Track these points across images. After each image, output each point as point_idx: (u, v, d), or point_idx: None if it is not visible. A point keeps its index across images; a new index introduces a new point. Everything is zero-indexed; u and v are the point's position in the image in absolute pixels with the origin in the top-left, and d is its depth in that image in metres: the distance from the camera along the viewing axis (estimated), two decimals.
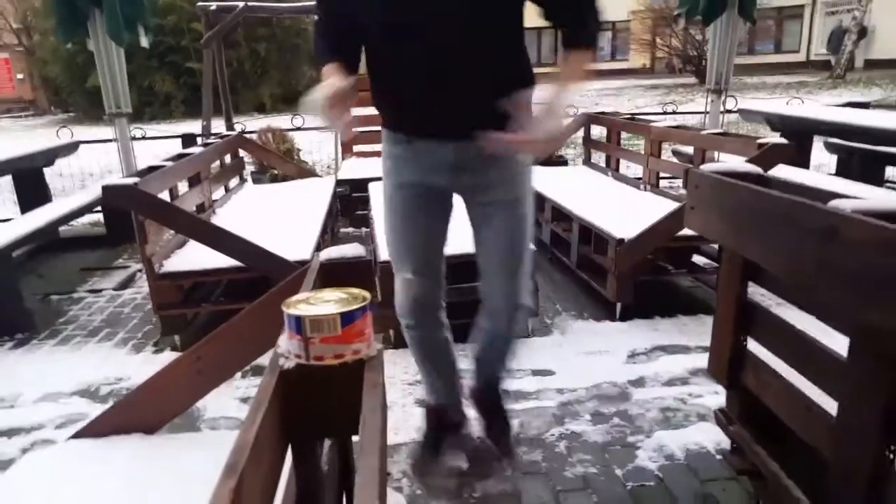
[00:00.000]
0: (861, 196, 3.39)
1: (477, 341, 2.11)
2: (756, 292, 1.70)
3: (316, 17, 1.76)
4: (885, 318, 0.95)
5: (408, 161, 1.75)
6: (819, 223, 1.07)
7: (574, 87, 1.59)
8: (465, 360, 2.45)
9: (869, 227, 0.97)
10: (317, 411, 0.86)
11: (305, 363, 0.85)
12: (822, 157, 6.02)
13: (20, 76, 26.74)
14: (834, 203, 1.08)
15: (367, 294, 0.92)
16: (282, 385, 0.83)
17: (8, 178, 5.19)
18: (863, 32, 21.28)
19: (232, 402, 2.64)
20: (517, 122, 1.47)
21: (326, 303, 0.89)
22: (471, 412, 2.29)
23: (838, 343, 1.29)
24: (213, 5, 6.94)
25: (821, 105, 6.28)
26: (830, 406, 1.31)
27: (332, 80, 1.52)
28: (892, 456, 1.16)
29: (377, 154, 5.83)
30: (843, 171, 5.25)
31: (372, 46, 1.67)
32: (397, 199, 1.83)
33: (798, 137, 4.94)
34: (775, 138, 3.14)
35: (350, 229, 5.42)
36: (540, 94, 1.57)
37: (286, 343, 0.88)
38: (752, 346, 1.68)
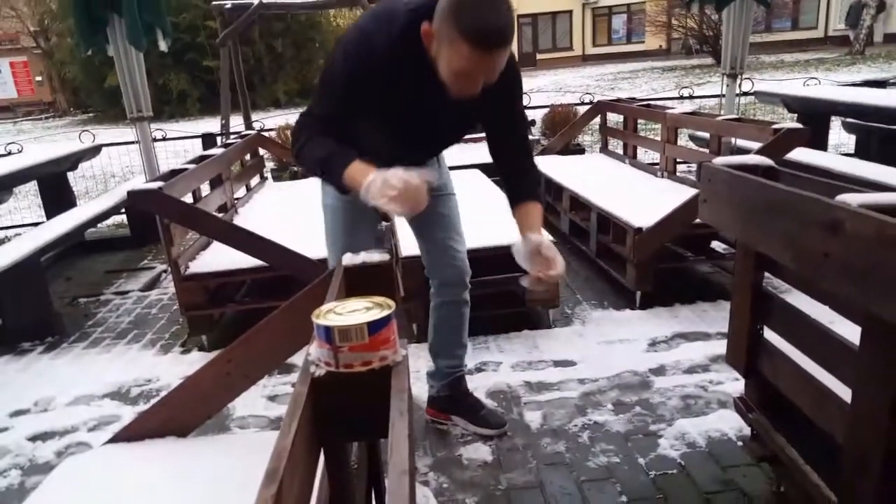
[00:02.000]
0: (875, 178, 3.39)
1: (436, 321, 2.38)
2: (771, 277, 1.73)
3: (318, 113, 1.82)
4: (891, 312, 0.98)
5: None
6: (826, 217, 1.10)
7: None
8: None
9: (874, 222, 1.00)
10: (347, 416, 0.91)
11: (335, 370, 0.90)
12: (841, 136, 5.98)
13: (39, 78, 27.07)
14: (841, 197, 1.11)
15: (391, 302, 0.96)
16: (314, 392, 0.88)
17: (33, 182, 5.30)
18: (881, 6, 20.88)
19: (260, 400, 2.71)
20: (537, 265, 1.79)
21: (353, 312, 0.94)
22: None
23: (852, 329, 1.32)
24: (228, 4, 7.00)
25: (837, 85, 6.21)
26: (844, 393, 1.34)
27: (397, 172, 1.58)
28: None
29: None
30: (861, 150, 5.22)
31: (371, 120, 1.86)
32: (340, 208, 2.12)
33: (815, 119, 4.92)
34: (790, 123, 3.13)
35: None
36: (531, 242, 1.82)
37: (316, 351, 0.92)
38: (769, 334, 1.71)
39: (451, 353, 2.41)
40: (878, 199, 1.07)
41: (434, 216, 2.19)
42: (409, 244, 3.08)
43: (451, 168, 2.39)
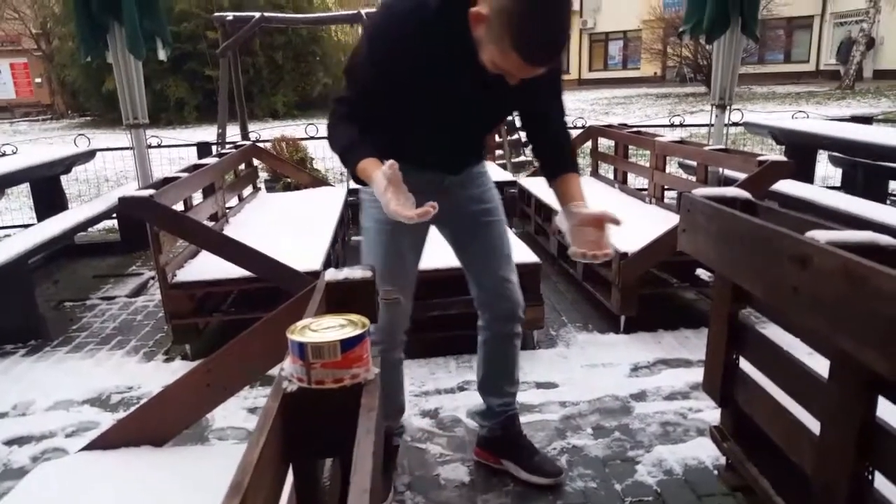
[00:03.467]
0: (857, 212, 3.44)
1: (485, 357, 2.22)
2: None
3: (345, 97, 1.76)
4: (856, 347, 1.00)
5: None
6: (796, 252, 1.13)
7: None
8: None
9: (840, 259, 1.02)
10: (317, 432, 0.92)
11: (307, 387, 0.91)
12: (828, 169, 6.05)
13: (38, 80, 27.15)
14: (811, 233, 1.14)
15: (366, 321, 0.98)
16: (284, 407, 0.89)
17: (26, 183, 5.30)
18: (871, 43, 21.45)
19: (240, 412, 2.70)
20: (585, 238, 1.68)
21: (328, 329, 0.95)
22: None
23: (823, 362, 1.34)
24: (230, 15, 7.07)
25: (826, 119, 6.31)
26: (814, 425, 1.36)
27: (386, 182, 1.55)
28: (869, 475, 1.21)
29: None
30: (847, 184, 5.29)
31: (399, 108, 1.77)
32: (384, 231, 1.95)
33: (802, 152, 4.99)
34: (775, 156, 3.18)
35: (361, 238, 5.49)
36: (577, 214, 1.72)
37: (290, 367, 0.94)
38: (744, 364, 1.73)
39: (502, 391, 2.24)
40: (845, 236, 1.10)
41: (485, 245, 2.07)
42: None
43: None
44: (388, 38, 1.64)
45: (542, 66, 1.47)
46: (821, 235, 1.10)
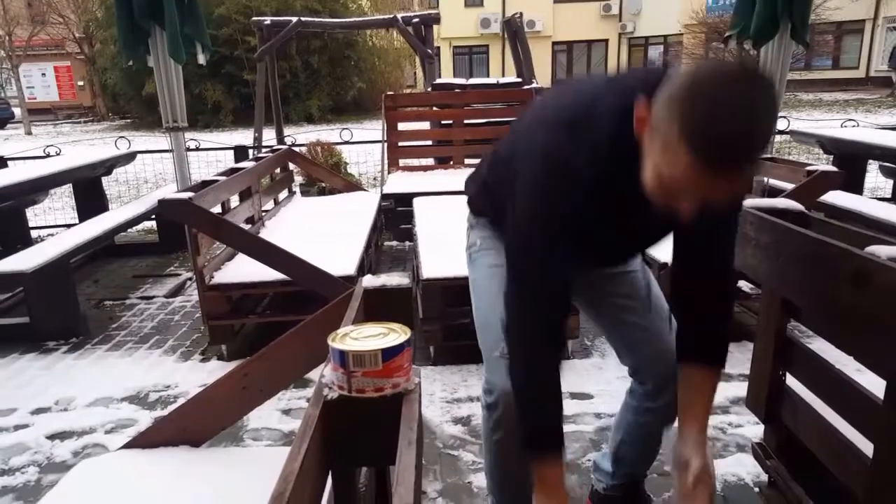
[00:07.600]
0: None
1: (633, 429, 1.85)
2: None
3: (529, 294, 1.35)
4: None
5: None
6: (854, 268, 1.08)
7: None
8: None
9: None
10: (357, 440, 0.91)
11: (348, 395, 0.90)
12: (878, 179, 5.90)
13: (81, 83, 27.83)
14: (871, 248, 1.09)
15: (407, 329, 0.97)
16: (325, 415, 0.88)
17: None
18: None
19: (274, 413, 2.71)
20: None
21: (369, 338, 0.94)
22: None
23: (877, 380, 1.29)
24: (268, 20, 7.17)
25: (876, 128, 6.13)
26: (866, 447, 1.31)
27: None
28: None
29: (422, 168, 5.95)
30: None
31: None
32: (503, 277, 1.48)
33: (851, 161, 4.86)
34: (824, 165, 3.10)
35: (394, 243, 5.51)
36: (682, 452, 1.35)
37: (330, 374, 0.93)
38: (791, 380, 1.68)
39: (637, 463, 1.90)
40: None
41: (626, 295, 1.67)
42: (430, 266, 3.09)
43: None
44: (563, 197, 1.26)
45: (723, 171, 1.02)
46: (882, 251, 1.05)
